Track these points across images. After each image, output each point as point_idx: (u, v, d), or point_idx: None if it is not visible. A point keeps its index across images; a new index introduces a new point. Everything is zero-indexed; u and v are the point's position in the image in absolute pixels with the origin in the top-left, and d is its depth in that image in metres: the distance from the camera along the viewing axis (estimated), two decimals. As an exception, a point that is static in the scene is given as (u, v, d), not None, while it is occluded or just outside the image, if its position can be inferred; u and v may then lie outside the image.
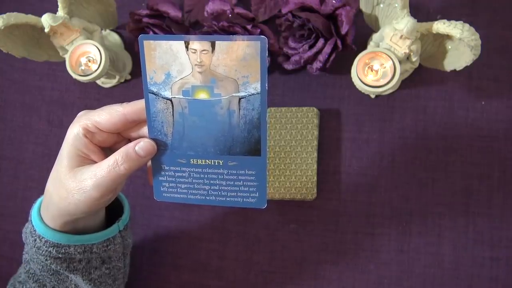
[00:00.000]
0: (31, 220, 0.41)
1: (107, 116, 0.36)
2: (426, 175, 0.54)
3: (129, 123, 0.36)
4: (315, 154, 0.54)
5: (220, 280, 0.56)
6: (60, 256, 0.40)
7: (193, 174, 0.37)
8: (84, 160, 0.37)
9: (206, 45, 0.32)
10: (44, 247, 0.39)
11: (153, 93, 0.35)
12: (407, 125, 0.55)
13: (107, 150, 0.39)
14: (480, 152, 0.53)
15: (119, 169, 0.35)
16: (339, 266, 0.54)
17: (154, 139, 0.36)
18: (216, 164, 0.36)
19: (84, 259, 0.42)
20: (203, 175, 0.37)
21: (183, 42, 0.33)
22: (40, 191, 0.60)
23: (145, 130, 0.37)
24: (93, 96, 0.62)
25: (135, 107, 0.36)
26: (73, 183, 0.36)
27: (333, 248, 0.54)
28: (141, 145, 0.35)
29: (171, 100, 0.35)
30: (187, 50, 0.33)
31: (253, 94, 0.33)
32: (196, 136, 0.35)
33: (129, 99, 0.61)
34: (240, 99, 0.34)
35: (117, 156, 0.35)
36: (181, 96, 0.34)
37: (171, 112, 0.35)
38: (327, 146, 0.56)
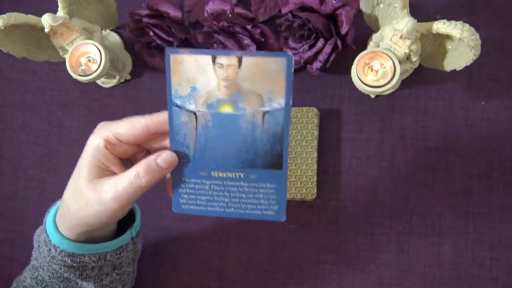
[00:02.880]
0: (46, 230, 0.40)
1: (129, 127, 0.36)
2: (426, 175, 0.54)
3: (151, 135, 0.36)
4: (315, 154, 0.54)
5: (220, 280, 0.56)
6: (75, 265, 0.40)
7: (213, 187, 0.37)
8: (104, 172, 0.37)
9: (233, 59, 0.33)
10: (59, 256, 0.39)
11: (177, 106, 0.35)
12: (407, 125, 0.55)
13: (125, 161, 0.39)
14: (480, 152, 0.53)
15: (140, 181, 0.35)
16: (339, 266, 0.54)
17: (176, 151, 0.36)
18: (237, 177, 0.36)
19: (97, 267, 0.42)
20: (223, 188, 0.37)
21: (210, 56, 0.33)
22: (40, 191, 0.61)
23: (166, 141, 0.37)
24: (93, 96, 0.62)
25: (158, 119, 0.36)
26: (93, 194, 0.36)
27: (333, 248, 0.54)
28: (163, 158, 0.35)
29: (195, 113, 0.35)
30: (214, 64, 0.33)
31: (277, 109, 0.34)
32: (218, 149, 0.35)
33: (129, 99, 0.62)
34: (264, 113, 0.34)
35: (139, 169, 0.35)
36: (206, 110, 0.34)
37: (195, 125, 0.35)
38: (327, 146, 0.56)
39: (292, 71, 0.33)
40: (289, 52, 0.32)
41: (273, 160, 0.35)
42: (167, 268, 0.57)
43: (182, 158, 0.36)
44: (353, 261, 0.54)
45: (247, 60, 0.32)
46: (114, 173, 0.37)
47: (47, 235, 0.40)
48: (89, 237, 0.40)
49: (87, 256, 0.40)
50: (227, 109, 0.34)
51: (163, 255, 0.57)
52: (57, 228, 0.40)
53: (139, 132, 0.36)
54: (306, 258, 0.55)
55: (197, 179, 0.36)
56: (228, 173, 0.36)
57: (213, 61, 0.33)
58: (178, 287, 0.57)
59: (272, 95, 0.33)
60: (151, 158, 0.35)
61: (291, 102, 0.33)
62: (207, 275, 0.56)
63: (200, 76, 0.33)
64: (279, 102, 0.33)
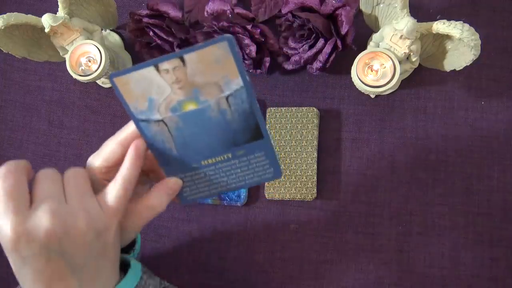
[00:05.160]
0: None
1: (108, 154, 0.37)
2: (426, 175, 0.54)
3: (128, 148, 0.37)
4: (315, 154, 0.54)
5: (220, 280, 0.56)
6: None
7: (208, 173, 0.38)
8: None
9: (176, 61, 0.32)
10: None
11: (143, 120, 0.35)
12: (407, 125, 0.55)
13: None
14: (480, 152, 0.53)
15: (155, 211, 0.37)
16: (339, 266, 0.54)
17: (162, 155, 0.37)
18: (226, 158, 0.37)
19: None
20: (217, 171, 0.38)
21: (153, 66, 0.33)
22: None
23: None
24: (93, 96, 0.62)
25: (126, 134, 0.37)
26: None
27: (333, 248, 0.54)
28: (171, 187, 0.38)
29: (162, 121, 0.35)
30: (159, 72, 0.33)
31: (237, 89, 0.34)
32: (199, 142, 0.36)
33: (129, 99, 0.61)
34: (227, 98, 0.34)
35: (153, 201, 0.37)
36: (170, 114, 0.35)
37: (167, 130, 0.36)
38: (327, 146, 0.56)
39: (238, 50, 0.32)
40: (226, 34, 0.32)
41: (253, 132, 0.36)
42: (167, 268, 0.57)
43: (170, 159, 0.37)
44: (353, 261, 0.54)
45: (189, 56, 0.32)
46: None
47: None
48: None
49: None
50: (191, 107, 0.35)
51: (163, 255, 0.57)
52: None
53: (117, 152, 0.37)
54: (306, 258, 0.55)
55: (190, 171, 0.38)
56: (217, 158, 0.37)
57: (157, 70, 0.33)
58: (178, 287, 0.57)
59: (228, 78, 0.33)
60: (161, 190, 0.38)
61: (248, 77, 0.33)
62: (207, 275, 0.56)
63: (151, 87, 0.33)
64: (236, 82, 0.33)
